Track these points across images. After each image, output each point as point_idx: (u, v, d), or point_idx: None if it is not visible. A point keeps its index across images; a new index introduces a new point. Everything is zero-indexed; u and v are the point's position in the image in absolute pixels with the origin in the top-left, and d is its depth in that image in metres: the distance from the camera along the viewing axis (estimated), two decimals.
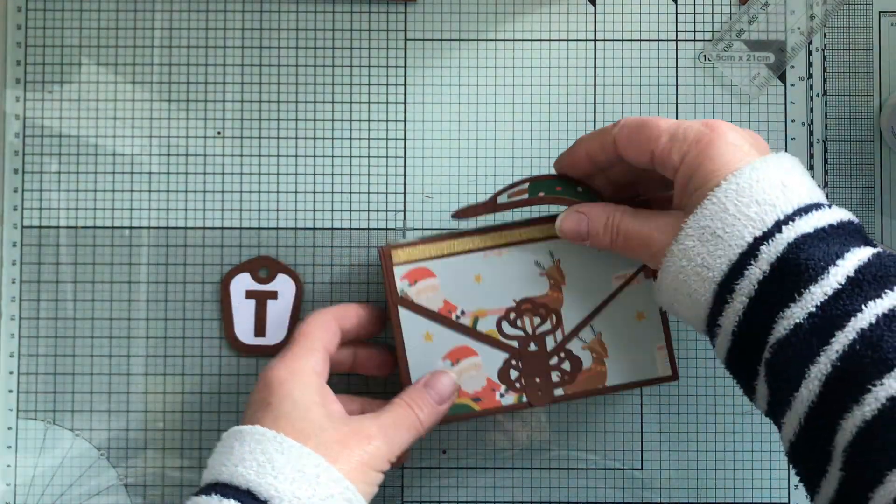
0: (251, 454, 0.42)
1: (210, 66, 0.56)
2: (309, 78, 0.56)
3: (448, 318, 0.49)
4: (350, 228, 0.55)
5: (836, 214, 0.40)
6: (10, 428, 0.55)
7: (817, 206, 0.40)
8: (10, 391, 0.55)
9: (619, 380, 0.49)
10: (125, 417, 0.55)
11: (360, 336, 0.51)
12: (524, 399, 0.49)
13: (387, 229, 0.55)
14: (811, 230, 0.39)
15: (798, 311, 0.38)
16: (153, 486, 0.55)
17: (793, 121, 0.56)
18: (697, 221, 0.41)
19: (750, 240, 0.40)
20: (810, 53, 0.56)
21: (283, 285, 0.55)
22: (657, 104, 0.56)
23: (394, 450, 0.45)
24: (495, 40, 0.56)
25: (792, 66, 0.56)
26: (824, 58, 0.56)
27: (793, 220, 0.39)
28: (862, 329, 0.36)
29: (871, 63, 0.56)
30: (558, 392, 0.49)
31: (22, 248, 0.55)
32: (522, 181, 0.50)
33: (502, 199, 0.50)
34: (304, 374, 0.45)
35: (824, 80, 0.56)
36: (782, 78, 0.56)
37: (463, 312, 0.49)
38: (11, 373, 0.55)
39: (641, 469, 0.55)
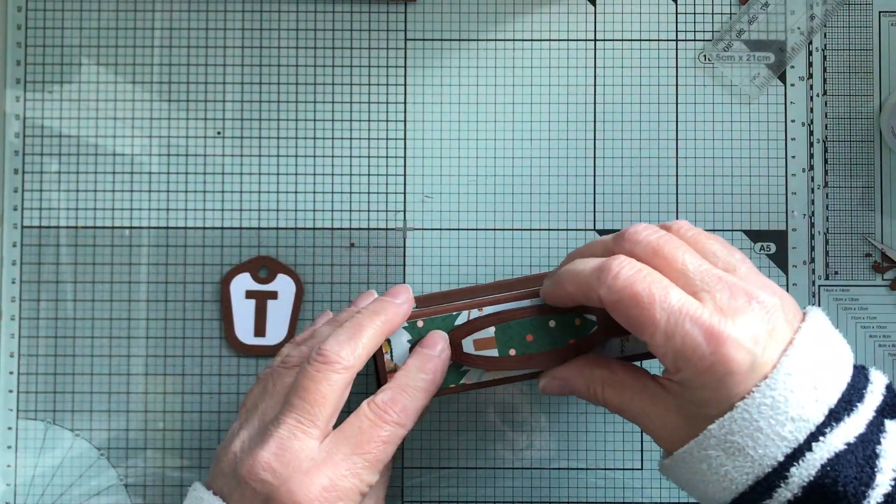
0: None
1: (210, 66, 0.56)
2: (309, 78, 0.56)
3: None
4: (350, 228, 0.55)
5: (866, 407, 0.37)
6: (10, 428, 0.55)
7: (846, 398, 0.37)
8: (10, 391, 0.55)
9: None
10: (125, 417, 0.55)
11: None
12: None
13: (387, 229, 0.55)
14: (843, 447, 0.36)
15: None
16: (153, 486, 0.55)
17: (793, 121, 0.56)
18: (724, 434, 0.37)
19: (781, 458, 0.36)
20: (810, 53, 0.56)
21: (283, 285, 0.55)
22: (657, 104, 0.56)
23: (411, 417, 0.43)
24: (495, 40, 0.56)
25: (792, 66, 0.56)
26: (824, 58, 0.56)
27: (824, 435, 0.36)
28: None
29: (871, 63, 0.56)
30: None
31: (22, 248, 0.55)
32: (486, 320, 0.46)
33: (467, 345, 0.46)
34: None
35: (824, 80, 0.56)
36: (782, 78, 0.56)
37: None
38: (11, 373, 0.55)
39: (641, 469, 0.55)
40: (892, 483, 0.36)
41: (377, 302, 0.45)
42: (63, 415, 0.55)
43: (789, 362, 0.37)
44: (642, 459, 0.55)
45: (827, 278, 0.55)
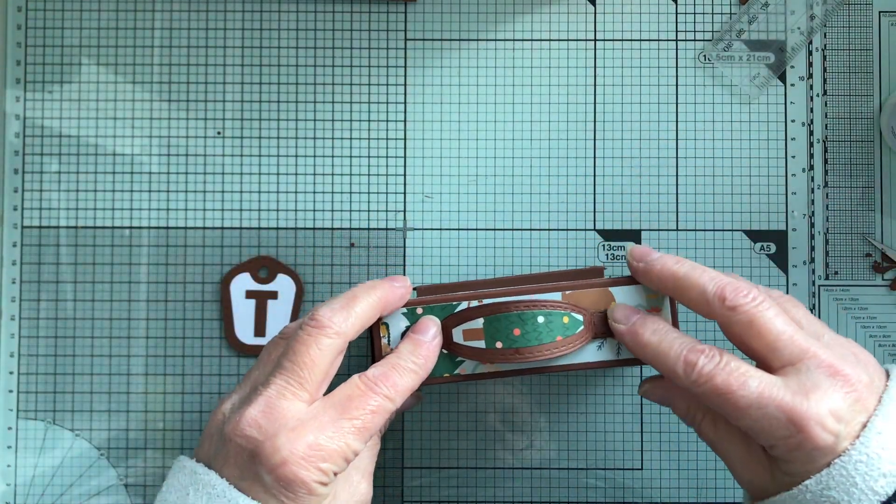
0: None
1: (210, 66, 0.56)
2: (309, 78, 0.56)
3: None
4: (350, 228, 0.55)
5: None
6: (10, 428, 0.55)
7: None
8: (10, 391, 0.55)
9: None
10: (125, 417, 0.55)
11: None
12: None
13: (387, 229, 0.55)
14: None
15: None
16: (153, 486, 0.55)
17: (793, 121, 0.56)
18: (821, 490, 0.39)
19: None
20: (810, 53, 0.56)
21: (283, 285, 0.55)
22: (657, 104, 0.56)
23: (370, 481, 0.44)
24: (495, 40, 0.56)
25: (792, 66, 0.56)
26: (824, 58, 0.56)
27: None
28: None
29: (871, 63, 0.56)
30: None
31: (22, 248, 0.55)
32: (476, 311, 0.47)
33: (457, 334, 0.47)
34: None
35: (824, 80, 0.56)
36: (782, 78, 0.56)
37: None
38: (11, 373, 0.55)
39: (641, 469, 0.55)
40: None
41: (375, 280, 0.46)
42: (63, 415, 0.55)
43: (879, 422, 0.39)
44: (642, 459, 0.55)
45: (827, 278, 0.55)
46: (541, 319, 0.45)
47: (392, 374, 0.43)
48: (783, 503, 0.40)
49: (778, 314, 0.41)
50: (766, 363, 0.41)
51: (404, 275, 0.55)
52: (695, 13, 0.56)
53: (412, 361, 0.44)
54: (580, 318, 0.46)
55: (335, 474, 0.40)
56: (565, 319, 0.45)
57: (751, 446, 0.43)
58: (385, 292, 0.45)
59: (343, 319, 0.42)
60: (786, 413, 0.39)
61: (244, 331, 0.55)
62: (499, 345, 0.45)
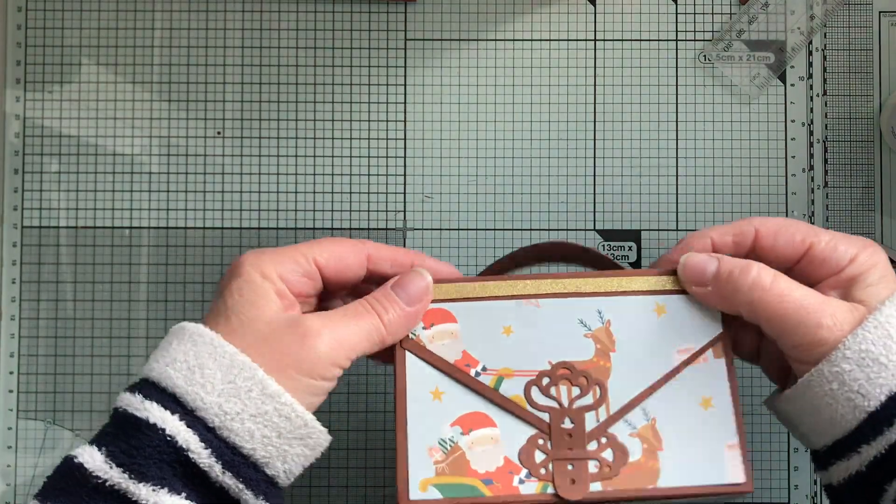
0: (184, 356, 0.38)
1: (210, 66, 0.56)
2: (309, 78, 0.56)
3: (465, 374, 0.40)
4: (350, 228, 0.55)
5: None
6: (10, 428, 0.55)
7: None
8: (10, 391, 0.55)
9: (673, 481, 0.39)
10: None
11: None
12: (549, 490, 0.39)
13: (387, 229, 0.55)
14: None
15: None
16: None
17: (793, 121, 0.56)
18: (858, 344, 0.38)
19: None
20: (810, 53, 0.56)
21: None
22: (657, 104, 0.56)
23: (345, 352, 0.39)
24: (495, 40, 0.56)
25: (792, 66, 0.56)
26: (824, 58, 0.56)
27: None
28: None
29: (871, 63, 0.56)
30: (595, 487, 0.39)
31: (22, 248, 0.55)
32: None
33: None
34: (270, 277, 0.40)
35: (824, 80, 0.56)
36: (782, 78, 0.56)
37: (484, 369, 0.40)
38: (11, 373, 0.55)
39: None
40: None
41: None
42: (63, 415, 0.55)
43: None
44: None
45: None
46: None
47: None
48: (820, 372, 0.38)
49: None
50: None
51: None
52: (695, 13, 0.56)
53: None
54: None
55: (284, 280, 0.41)
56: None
57: (828, 294, 0.42)
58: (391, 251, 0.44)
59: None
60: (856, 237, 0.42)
61: None
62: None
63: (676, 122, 0.56)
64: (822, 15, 0.56)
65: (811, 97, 0.56)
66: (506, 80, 0.56)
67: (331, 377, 0.39)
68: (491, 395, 0.40)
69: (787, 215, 0.55)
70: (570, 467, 0.39)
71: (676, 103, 0.56)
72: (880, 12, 0.56)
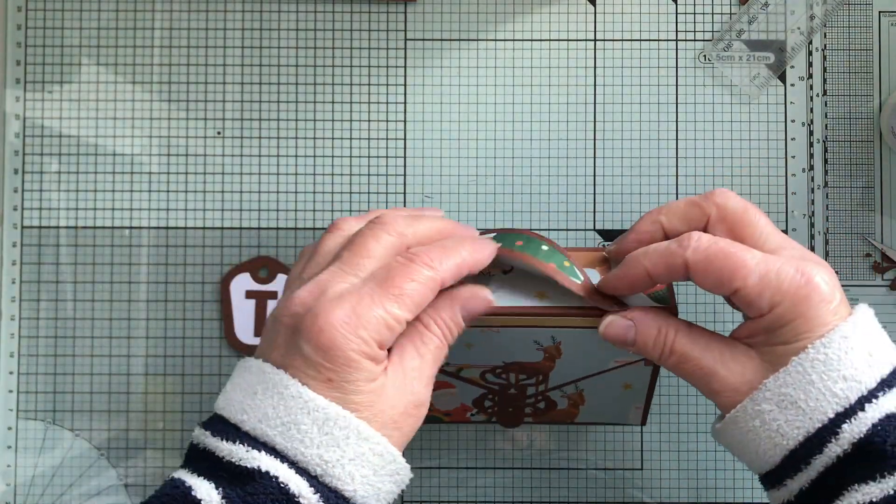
0: (275, 412, 0.38)
1: (210, 66, 0.56)
2: (309, 78, 0.56)
3: None
4: None
5: None
6: (10, 428, 0.55)
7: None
8: (10, 391, 0.55)
9: (587, 419, 0.50)
10: (125, 417, 0.55)
11: None
12: (493, 420, 0.49)
13: None
14: (894, 411, 0.38)
15: (875, 490, 0.37)
16: (153, 486, 0.55)
17: (793, 121, 0.56)
18: (778, 387, 0.39)
19: (832, 415, 0.38)
20: (810, 53, 0.56)
21: (283, 286, 0.55)
22: (657, 104, 0.56)
23: (430, 388, 0.41)
24: (495, 40, 0.56)
25: (792, 66, 0.56)
26: (824, 58, 0.56)
27: (876, 398, 0.38)
28: None
29: (871, 63, 0.56)
30: (528, 420, 0.50)
31: (22, 248, 0.55)
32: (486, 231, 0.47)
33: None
34: (375, 358, 0.39)
35: (824, 80, 0.56)
36: (782, 78, 0.56)
37: (447, 364, 0.46)
38: (11, 373, 0.55)
39: (641, 469, 0.55)
40: None
41: (461, 233, 0.44)
42: (63, 415, 0.55)
43: (846, 327, 0.39)
44: (642, 459, 0.55)
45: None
46: (544, 248, 0.43)
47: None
48: (744, 409, 0.40)
49: (767, 220, 0.42)
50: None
51: None
52: (695, 13, 0.56)
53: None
54: (579, 275, 0.44)
55: (379, 345, 0.39)
56: (566, 263, 0.44)
57: (735, 349, 0.41)
58: (470, 252, 0.42)
59: (407, 225, 0.42)
60: (794, 266, 0.39)
61: (244, 331, 0.55)
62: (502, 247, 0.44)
63: (676, 122, 0.56)
64: (822, 15, 0.56)
65: (811, 97, 0.56)
66: (506, 80, 0.56)
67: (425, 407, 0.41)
68: (452, 375, 0.47)
69: (786, 215, 0.55)
70: (510, 410, 0.49)
71: (676, 103, 0.56)
72: (880, 12, 0.56)
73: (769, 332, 0.40)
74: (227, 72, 0.56)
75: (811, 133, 0.56)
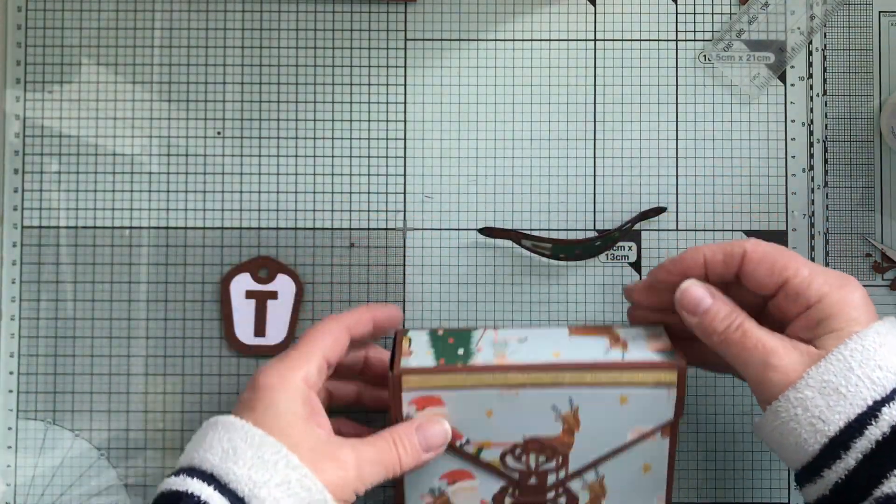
0: (219, 442, 0.43)
1: (210, 66, 0.56)
2: (309, 78, 0.56)
3: (452, 445, 0.47)
4: (350, 228, 0.55)
5: None
6: (10, 428, 0.55)
7: None
8: (11, 391, 0.55)
9: None
10: (125, 417, 0.55)
11: (377, 337, 0.51)
12: None
13: (387, 229, 0.55)
14: None
15: None
16: (153, 486, 0.55)
17: (793, 121, 0.56)
18: (821, 374, 0.42)
19: (870, 402, 0.41)
20: (810, 53, 0.56)
21: (283, 285, 0.55)
22: (657, 104, 0.56)
23: (363, 485, 0.44)
24: (495, 40, 0.56)
25: (792, 66, 0.56)
26: (824, 58, 0.56)
27: None
28: None
29: (871, 63, 0.56)
30: None
31: (22, 248, 0.55)
32: (545, 239, 0.52)
33: (526, 243, 0.53)
34: (293, 384, 0.45)
35: (824, 80, 0.56)
36: (782, 78, 0.56)
37: (468, 441, 0.47)
38: (11, 373, 0.55)
39: None
40: None
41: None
42: (63, 415, 0.55)
43: (879, 325, 0.43)
44: None
45: None
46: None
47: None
48: (787, 398, 0.42)
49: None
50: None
51: (404, 274, 0.55)
52: (695, 13, 0.56)
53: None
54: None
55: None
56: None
57: (785, 342, 0.44)
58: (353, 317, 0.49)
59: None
60: (835, 272, 0.44)
61: (244, 331, 0.55)
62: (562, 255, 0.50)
63: (676, 122, 0.56)
64: (822, 15, 0.56)
65: (811, 97, 0.56)
66: (506, 80, 0.56)
67: (350, 500, 0.44)
68: (472, 460, 0.48)
69: (786, 215, 0.55)
70: None
71: (676, 103, 0.56)
72: (880, 12, 0.56)
73: (811, 326, 0.43)
74: (227, 72, 0.56)
75: (811, 133, 0.56)
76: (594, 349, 0.47)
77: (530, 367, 0.46)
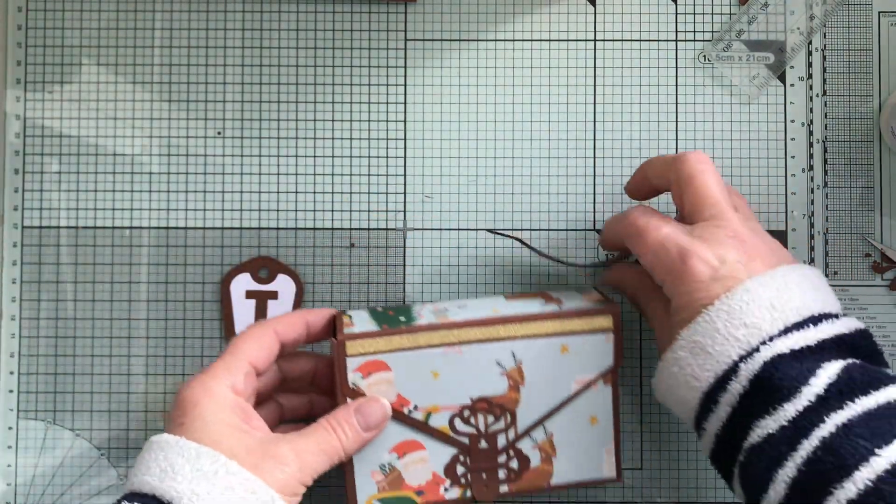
0: (156, 461, 0.43)
1: (210, 66, 0.56)
2: (309, 78, 0.56)
3: (400, 413, 0.47)
4: (350, 228, 0.55)
5: (821, 332, 0.42)
6: (10, 428, 0.55)
7: (806, 322, 0.43)
8: (11, 391, 0.55)
9: (563, 479, 0.49)
10: (125, 417, 0.55)
11: (311, 341, 0.50)
12: (468, 494, 0.48)
13: (387, 229, 0.55)
14: (787, 350, 0.42)
15: (771, 423, 0.41)
16: None
17: (793, 121, 0.56)
18: (690, 336, 0.44)
19: (735, 358, 0.43)
20: (810, 53, 0.56)
21: (283, 285, 0.55)
22: (657, 104, 0.56)
23: (309, 476, 0.44)
24: (495, 40, 0.56)
25: (792, 66, 0.56)
26: (824, 58, 0.56)
27: (771, 341, 0.42)
28: (823, 437, 0.39)
29: (871, 63, 0.56)
30: (503, 489, 0.49)
31: (22, 248, 0.55)
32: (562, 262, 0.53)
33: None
34: (219, 393, 0.45)
35: (824, 80, 0.56)
36: (782, 78, 0.56)
37: (416, 407, 0.47)
38: (12, 373, 0.55)
39: (641, 469, 0.55)
40: (826, 386, 0.41)
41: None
42: (63, 415, 0.55)
43: (751, 283, 0.43)
44: (642, 459, 0.55)
45: (826, 278, 0.55)
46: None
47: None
48: (666, 359, 0.45)
49: (717, 182, 0.46)
50: (689, 216, 0.46)
51: (404, 274, 0.55)
52: (695, 13, 0.56)
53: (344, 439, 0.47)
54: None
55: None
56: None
57: (667, 306, 0.47)
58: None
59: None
60: (678, 249, 0.45)
61: None
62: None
63: (676, 122, 0.56)
64: (822, 15, 0.56)
65: (811, 97, 0.56)
66: (506, 80, 0.56)
67: (299, 493, 0.44)
68: (421, 427, 0.48)
69: (786, 215, 0.55)
70: (483, 476, 0.48)
71: (676, 103, 0.56)
72: (880, 12, 0.56)
73: (668, 299, 0.46)
74: (227, 72, 0.56)
75: (811, 133, 0.56)
76: (531, 306, 0.49)
77: (471, 322, 0.47)
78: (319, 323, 0.49)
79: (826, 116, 0.56)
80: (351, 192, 0.56)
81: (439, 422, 0.48)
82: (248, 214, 0.56)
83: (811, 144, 0.56)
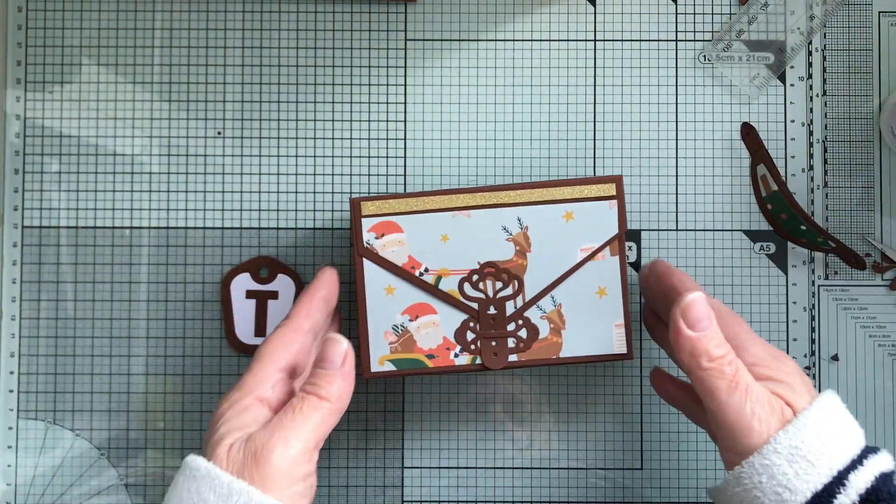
0: (188, 493, 0.42)
1: (210, 66, 0.56)
2: (309, 78, 0.56)
3: (411, 274, 0.49)
4: (350, 228, 0.55)
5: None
6: (10, 428, 0.55)
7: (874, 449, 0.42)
8: (11, 391, 0.55)
9: (572, 352, 0.49)
10: (125, 417, 0.55)
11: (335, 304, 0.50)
12: (478, 360, 0.49)
13: None
14: (891, 467, 0.40)
15: None
16: (153, 486, 0.55)
17: (793, 121, 0.56)
18: (789, 440, 0.40)
19: (839, 468, 0.40)
20: (810, 53, 0.56)
21: (283, 285, 0.55)
22: (657, 104, 0.56)
23: (313, 442, 0.43)
24: (495, 40, 0.56)
25: (792, 66, 0.56)
26: (824, 58, 0.56)
27: (867, 457, 0.40)
28: None
29: (871, 63, 0.56)
30: (512, 358, 0.49)
31: (22, 248, 0.55)
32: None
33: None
34: (249, 409, 0.44)
35: (824, 80, 0.56)
36: (782, 78, 0.56)
37: (427, 270, 0.49)
38: (12, 373, 0.55)
39: (641, 469, 0.55)
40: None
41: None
42: (63, 415, 0.55)
43: (825, 398, 0.42)
44: (642, 459, 0.55)
45: (827, 278, 0.55)
46: None
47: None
48: (751, 465, 0.41)
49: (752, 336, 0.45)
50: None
51: None
52: (695, 13, 0.56)
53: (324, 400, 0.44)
54: None
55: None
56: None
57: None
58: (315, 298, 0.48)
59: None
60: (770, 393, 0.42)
61: (244, 331, 0.55)
62: None
63: (676, 122, 0.56)
64: (822, 15, 0.56)
65: (811, 97, 0.56)
66: (506, 80, 0.56)
67: (309, 473, 0.43)
68: (432, 290, 0.49)
69: None
70: (493, 343, 0.49)
71: (676, 103, 0.56)
72: (880, 12, 0.56)
73: (771, 381, 0.43)
74: (227, 72, 0.56)
75: (811, 133, 0.56)
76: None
77: (481, 188, 0.49)
78: (333, 291, 0.49)
79: (826, 116, 0.56)
80: (351, 193, 0.56)
81: (449, 285, 0.49)
82: (248, 214, 0.56)
83: (811, 144, 0.56)
